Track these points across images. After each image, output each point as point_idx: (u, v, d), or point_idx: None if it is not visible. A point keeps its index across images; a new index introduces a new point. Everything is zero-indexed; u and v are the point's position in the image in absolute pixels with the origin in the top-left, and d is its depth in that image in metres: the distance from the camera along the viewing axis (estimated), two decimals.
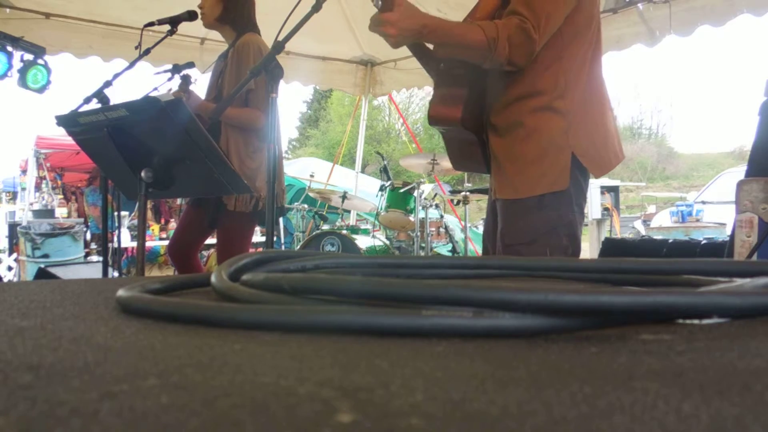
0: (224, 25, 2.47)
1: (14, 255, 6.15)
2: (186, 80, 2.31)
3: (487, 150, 1.74)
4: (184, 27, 2.52)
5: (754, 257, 1.21)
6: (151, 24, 2.41)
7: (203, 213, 2.51)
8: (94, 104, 2.26)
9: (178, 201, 7.04)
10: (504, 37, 1.42)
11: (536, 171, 1.56)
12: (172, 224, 7.16)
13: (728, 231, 3.93)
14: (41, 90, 3.42)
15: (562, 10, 1.49)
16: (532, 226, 1.57)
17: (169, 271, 6.89)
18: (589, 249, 6.60)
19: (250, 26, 2.48)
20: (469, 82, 1.66)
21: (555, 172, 1.55)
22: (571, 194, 1.58)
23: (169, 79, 2.34)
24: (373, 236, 4.59)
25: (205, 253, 6.51)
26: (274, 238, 1.81)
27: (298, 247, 5.39)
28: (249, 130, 2.38)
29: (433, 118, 1.69)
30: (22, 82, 3.36)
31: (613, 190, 6.24)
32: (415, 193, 4.47)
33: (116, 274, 3.20)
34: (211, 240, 3.03)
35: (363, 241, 4.26)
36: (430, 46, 1.69)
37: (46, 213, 7.10)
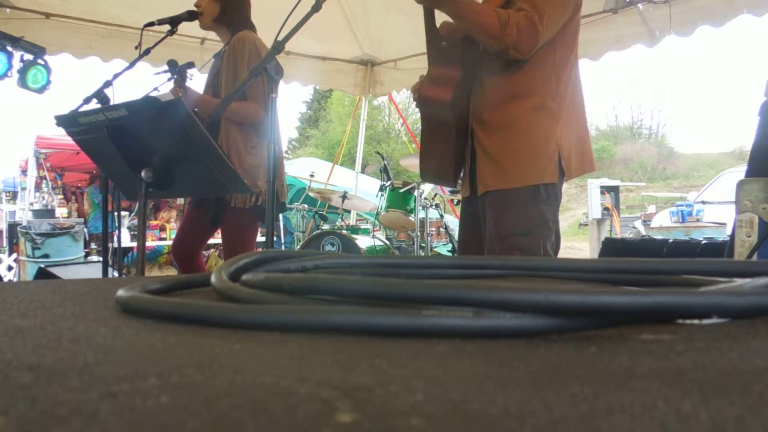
0: (220, 26, 2.47)
1: (14, 255, 6.14)
2: (182, 76, 2.31)
3: (463, 144, 1.77)
4: (184, 27, 2.52)
5: (754, 257, 1.21)
6: (151, 24, 2.41)
7: (205, 212, 2.51)
8: (94, 104, 2.26)
9: (179, 201, 7.04)
10: (514, 21, 1.52)
11: (531, 162, 1.64)
12: (173, 224, 7.16)
13: (728, 231, 3.93)
14: (41, 90, 3.42)
15: (563, 13, 1.60)
16: (527, 216, 1.64)
17: (169, 271, 6.89)
18: (589, 249, 6.60)
19: (247, 25, 2.48)
20: (465, 66, 1.71)
21: (548, 166, 1.64)
22: (557, 190, 1.68)
23: (169, 79, 2.34)
24: (373, 236, 4.59)
25: (205, 252, 6.51)
26: (274, 238, 1.81)
27: (298, 247, 5.39)
28: (247, 127, 2.39)
29: (423, 98, 1.73)
30: (22, 82, 3.36)
31: (613, 190, 6.24)
32: (415, 193, 4.47)
33: (116, 274, 3.20)
34: (213, 240, 3.03)
35: (363, 241, 4.26)
36: (437, 23, 1.75)
37: (46, 213, 7.09)
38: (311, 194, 5.41)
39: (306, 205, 5.75)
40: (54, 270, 3.34)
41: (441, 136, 1.77)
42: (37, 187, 7.92)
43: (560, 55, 1.65)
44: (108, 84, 2.30)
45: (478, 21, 1.54)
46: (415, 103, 1.84)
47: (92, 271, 3.53)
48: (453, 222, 6.61)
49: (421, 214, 4.54)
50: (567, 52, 1.67)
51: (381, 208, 4.61)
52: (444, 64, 1.72)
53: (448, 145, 1.77)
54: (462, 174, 1.86)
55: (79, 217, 7.65)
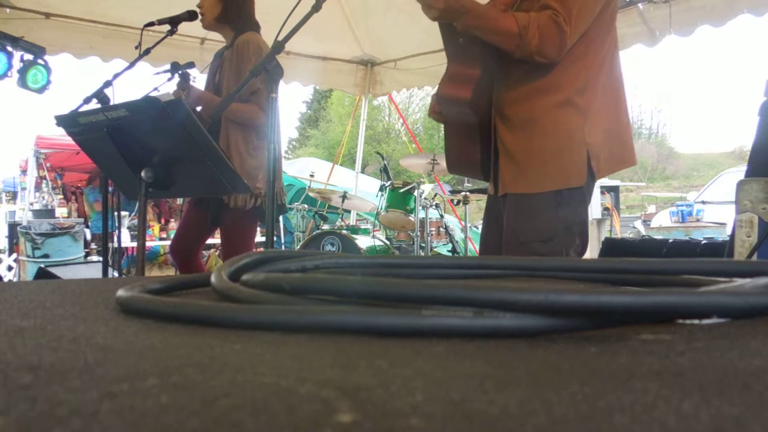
0: (223, 25, 2.47)
1: (14, 255, 6.14)
2: (185, 77, 2.31)
3: (488, 141, 1.70)
4: (184, 27, 2.51)
5: (754, 257, 1.21)
6: (151, 24, 2.41)
7: (204, 212, 2.51)
8: (94, 104, 2.26)
9: (178, 201, 7.04)
10: (534, 26, 1.44)
11: (554, 166, 1.54)
12: (173, 224, 7.16)
13: (728, 231, 3.93)
14: (41, 90, 3.42)
15: (595, 6, 1.49)
16: (549, 223, 1.55)
17: (169, 271, 6.89)
18: (589, 249, 6.60)
19: (250, 25, 2.48)
20: (484, 62, 1.63)
21: (573, 168, 1.53)
22: (584, 192, 1.57)
23: (169, 79, 2.34)
24: (373, 236, 4.59)
25: (205, 252, 6.51)
26: (274, 238, 1.81)
27: (298, 247, 5.39)
28: (249, 128, 2.39)
29: (442, 96, 1.66)
30: (22, 82, 3.36)
31: (613, 190, 6.25)
32: (415, 193, 4.47)
33: (116, 274, 3.20)
34: (212, 240, 3.04)
35: (363, 241, 4.26)
36: None
37: (46, 213, 7.09)
38: (311, 194, 5.40)
39: (306, 205, 5.75)
40: (54, 270, 3.33)
41: (464, 134, 1.71)
42: (37, 187, 7.92)
43: (592, 44, 1.52)
44: (108, 84, 2.29)
45: (496, 30, 1.47)
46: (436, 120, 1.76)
47: (92, 271, 3.53)
48: (453, 222, 6.61)
49: (421, 214, 4.53)
50: (600, 41, 1.53)
51: (381, 208, 4.61)
52: (463, 62, 1.64)
53: (472, 142, 1.70)
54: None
55: (79, 217, 7.65)
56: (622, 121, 1.62)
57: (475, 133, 1.69)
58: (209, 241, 3.10)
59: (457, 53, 1.65)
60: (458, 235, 6.16)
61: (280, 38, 1.69)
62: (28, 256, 5.80)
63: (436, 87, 1.72)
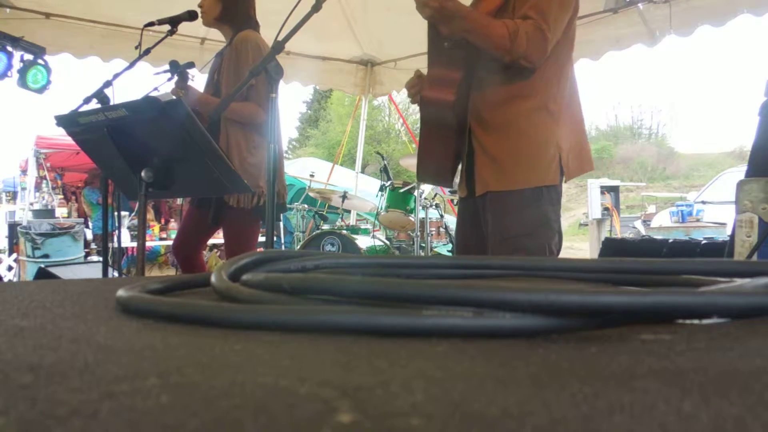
0: (224, 24, 2.48)
1: (14, 255, 6.14)
2: (183, 76, 2.31)
3: (461, 144, 1.76)
4: (184, 27, 2.52)
5: (754, 257, 1.21)
6: (151, 24, 2.41)
7: (205, 212, 2.51)
8: (94, 104, 2.26)
9: (179, 201, 7.04)
10: (523, 32, 1.52)
11: (533, 164, 1.64)
12: (173, 224, 7.16)
13: (728, 231, 3.93)
14: (41, 90, 3.42)
15: (566, 15, 1.60)
16: (531, 217, 1.64)
17: (169, 271, 6.88)
18: (589, 249, 6.60)
19: (250, 24, 2.48)
20: (467, 67, 1.70)
21: (550, 168, 1.64)
22: (558, 191, 1.69)
23: (169, 79, 2.34)
24: (373, 236, 4.59)
25: (206, 253, 6.52)
26: (274, 238, 1.81)
27: (298, 247, 5.39)
28: (249, 126, 2.39)
29: (425, 100, 1.71)
30: (22, 82, 3.36)
31: (613, 190, 6.24)
32: (415, 193, 4.47)
33: (116, 274, 3.20)
34: (215, 240, 3.03)
35: (363, 241, 4.26)
36: None
37: (46, 213, 7.09)
38: (311, 194, 5.40)
39: (306, 205, 5.75)
40: (54, 270, 3.33)
41: (440, 137, 1.77)
42: (37, 187, 7.91)
43: (561, 55, 1.65)
44: (108, 84, 2.30)
45: (488, 35, 1.54)
46: (411, 101, 1.84)
47: (92, 271, 3.53)
48: (453, 222, 6.60)
49: (421, 214, 4.53)
50: (567, 53, 1.67)
51: (381, 208, 4.61)
52: (445, 66, 1.70)
53: (447, 145, 1.77)
54: (459, 174, 1.85)
55: (79, 217, 7.65)
56: (583, 129, 1.75)
57: (448, 136, 1.75)
58: (213, 241, 3.10)
59: (441, 57, 1.71)
60: None
61: (280, 38, 1.69)
62: (28, 256, 5.80)
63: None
